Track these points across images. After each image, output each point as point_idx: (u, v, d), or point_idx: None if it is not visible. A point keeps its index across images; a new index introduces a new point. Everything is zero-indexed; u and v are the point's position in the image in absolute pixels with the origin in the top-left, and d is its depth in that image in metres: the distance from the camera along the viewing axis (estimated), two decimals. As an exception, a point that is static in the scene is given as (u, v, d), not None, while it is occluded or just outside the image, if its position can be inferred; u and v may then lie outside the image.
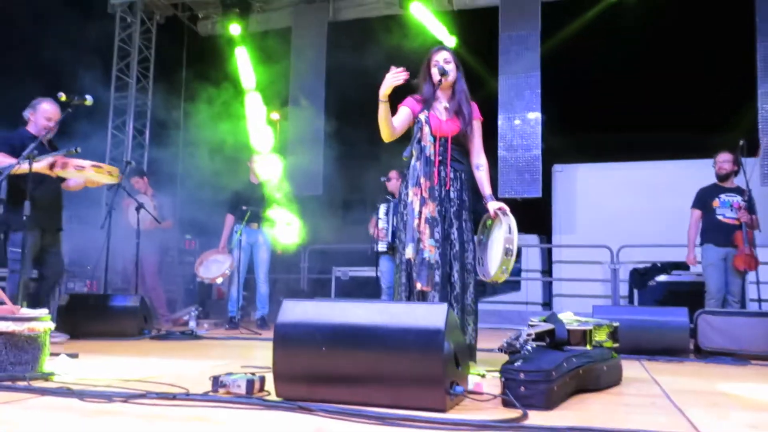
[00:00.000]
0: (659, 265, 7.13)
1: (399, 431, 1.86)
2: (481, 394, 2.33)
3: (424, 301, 3.13)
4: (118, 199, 6.17)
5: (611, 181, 8.45)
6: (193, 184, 8.14)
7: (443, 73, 3.34)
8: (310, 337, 2.24)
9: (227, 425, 1.91)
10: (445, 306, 2.19)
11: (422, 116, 3.22)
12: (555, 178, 8.82)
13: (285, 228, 6.54)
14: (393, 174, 6.40)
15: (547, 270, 9.32)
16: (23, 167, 3.85)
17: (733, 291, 5.51)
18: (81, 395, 2.27)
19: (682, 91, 9.42)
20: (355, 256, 8.03)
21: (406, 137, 3.33)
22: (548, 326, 2.67)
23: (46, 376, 2.73)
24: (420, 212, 3.11)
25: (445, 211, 3.33)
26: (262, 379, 2.41)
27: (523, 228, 5.35)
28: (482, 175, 3.53)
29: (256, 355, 4.13)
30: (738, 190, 5.60)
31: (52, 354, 3.03)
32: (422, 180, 3.13)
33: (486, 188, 3.52)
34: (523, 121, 7.94)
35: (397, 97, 3.32)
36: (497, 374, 2.37)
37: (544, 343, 2.63)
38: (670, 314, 4.40)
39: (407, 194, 3.25)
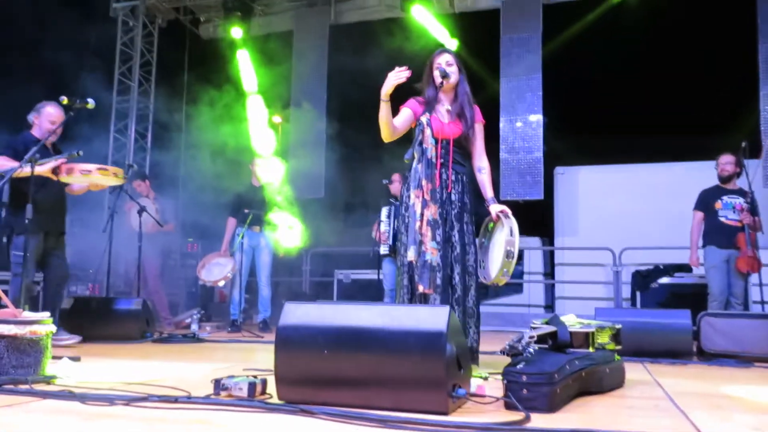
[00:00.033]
0: (662, 267, 7.12)
1: (401, 434, 1.85)
2: (483, 396, 2.32)
3: (425, 303, 3.13)
4: (120, 203, 6.18)
5: (613, 183, 8.44)
6: (195, 187, 8.13)
7: (445, 75, 3.34)
8: (312, 339, 2.24)
9: (229, 428, 1.91)
10: (447, 308, 2.18)
11: (424, 119, 3.22)
12: (557, 181, 8.80)
13: (287, 231, 6.53)
14: (396, 177, 6.39)
15: (549, 272, 9.31)
16: (26, 170, 3.86)
17: (736, 293, 5.49)
18: (83, 398, 2.27)
19: (683, 93, 9.40)
20: (357, 259, 8.03)
21: (407, 139, 3.33)
22: (551, 328, 2.67)
23: (48, 380, 2.73)
24: (422, 215, 3.12)
25: (447, 213, 3.33)
26: (264, 382, 2.41)
27: (525, 230, 5.35)
28: (484, 178, 3.53)
29: (258, 358, 4.12)
30: (740, 192, 5.59)
31: (54, 357, 3.03)
32: (424, 182, 3.13)
33: (488, 191, 3.52)
34: (525, 124, 7.95)
35: (399, 100, 3.32)
36: (499, 377, 2.36)
37: (546, 346, 2.62)
38: (672, 316, 4.39)
39: (409, 197, 3.25)
